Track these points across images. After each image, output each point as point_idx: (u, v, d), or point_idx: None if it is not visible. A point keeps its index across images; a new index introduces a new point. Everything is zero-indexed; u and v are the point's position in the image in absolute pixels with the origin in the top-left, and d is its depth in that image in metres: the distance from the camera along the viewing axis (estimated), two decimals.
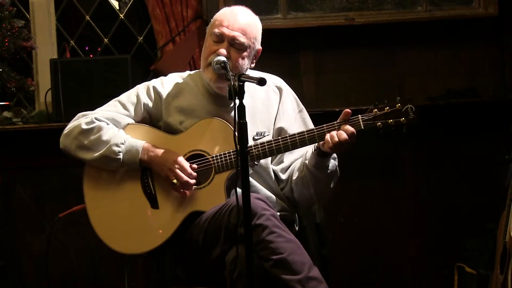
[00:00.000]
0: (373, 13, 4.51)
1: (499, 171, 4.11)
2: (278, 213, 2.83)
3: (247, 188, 2.46)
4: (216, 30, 2.86)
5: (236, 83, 2.52)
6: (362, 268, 4.43)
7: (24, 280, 4.36)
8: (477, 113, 4.39)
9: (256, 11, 3.01)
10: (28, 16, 4.50)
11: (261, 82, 2.55)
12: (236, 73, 2.60)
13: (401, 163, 4.46)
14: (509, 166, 3.29)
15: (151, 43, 4.53)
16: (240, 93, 2.50)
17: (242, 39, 2.86)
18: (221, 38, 2.86)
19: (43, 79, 4.42)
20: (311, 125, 3.02)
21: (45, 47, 4.46)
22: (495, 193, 3.96)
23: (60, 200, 4.21)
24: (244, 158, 2.46)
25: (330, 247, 3.17)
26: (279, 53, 4.33)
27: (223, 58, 2.78)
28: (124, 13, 4.61)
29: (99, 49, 4.63)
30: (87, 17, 4.58)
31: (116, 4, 4.66)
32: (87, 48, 4.67)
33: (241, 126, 2.47)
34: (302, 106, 3.10)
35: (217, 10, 4.23)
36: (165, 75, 3.09)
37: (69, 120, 3.02)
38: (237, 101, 2.48)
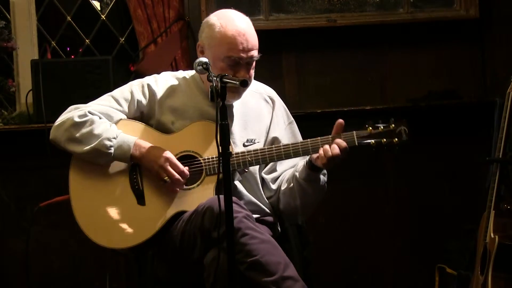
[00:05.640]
0: (355, 15, 4.51)
1: (480, 173, 4.14)
2: (259, 216, 2.83)
3: (229, 192, 2.44)
4: (234, 56, 2.81)
5: (218, 84, 2.50)
6: (344, 269, 4.44)
7: (5, 282, 4.33)
8: (458, 115, 4.41)
9: None
10: (8, 16, 4.47)
11: (243, 83, 2.55)
12: (218, 74, 2.58)
13: (382, 164, 4.47)
14: (490, 168, 3.31)
15: (133, 44, 4.51)
16: (222, 94, 2.49)
17: (256, 53, 2.87)
18: (238, 62, 2.82)
19: (24, 80, 4.39)
20: (300, 138, 3.02)
21: (26, 47, 4.43)
22: (475, 194, 3.99)
23: (41, 201, 4.16)
24: (226, 160, 2.45)
25: (311, 248, 3.17)
26: (261, 55, 4.32)
27: (205, 60, 2.69)
28: (105, 14, 4.59)
29: (80, 50, 4.60)
30: (68, 18, 4.56)
31: (97, 5, 4.64)
32: (68, 49, 4.65)
33: (223, 127, 2.45)
34: (292, 119, 3.10)
35: (199, 11, 4.30)
36: (144, 76, 3.05)
37: (50, 121, 2.99)
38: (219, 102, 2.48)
